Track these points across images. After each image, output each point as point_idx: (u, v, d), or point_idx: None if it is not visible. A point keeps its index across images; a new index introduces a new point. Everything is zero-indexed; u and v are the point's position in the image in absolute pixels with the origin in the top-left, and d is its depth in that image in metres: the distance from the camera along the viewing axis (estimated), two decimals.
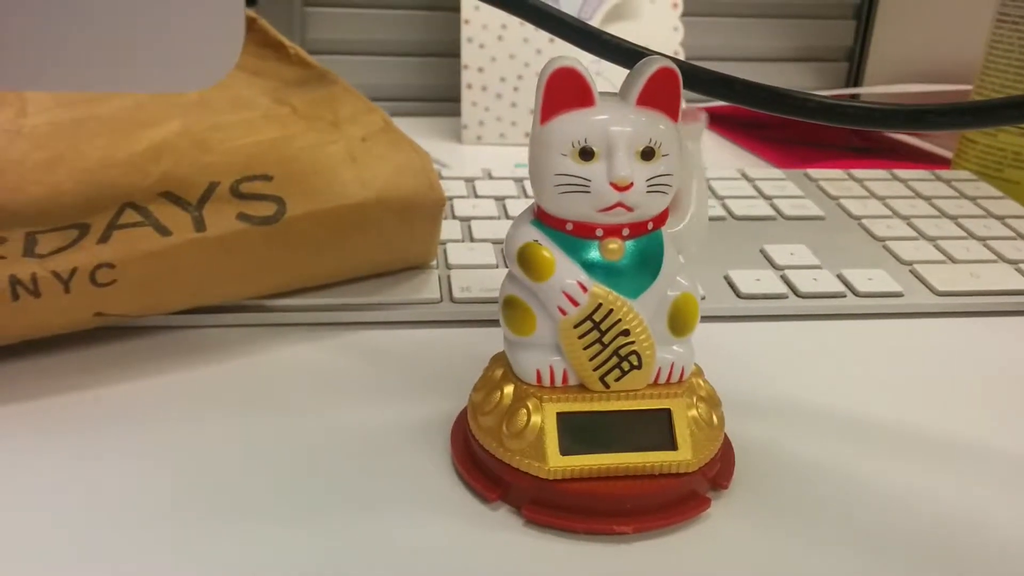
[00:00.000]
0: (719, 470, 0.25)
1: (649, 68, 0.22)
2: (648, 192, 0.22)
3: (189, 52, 0.28)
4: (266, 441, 0.26)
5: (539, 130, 0.22)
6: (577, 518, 0.23)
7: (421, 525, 0.23)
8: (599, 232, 0.23)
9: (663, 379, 0.24)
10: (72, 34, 0.26)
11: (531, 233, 0.23)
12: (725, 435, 0.25)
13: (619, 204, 0.22)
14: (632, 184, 0.22)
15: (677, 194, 0.24)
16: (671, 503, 0.23)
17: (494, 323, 0.33)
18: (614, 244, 0.23)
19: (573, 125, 0.22)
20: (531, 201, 0.24)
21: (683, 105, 0.23)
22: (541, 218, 0.23)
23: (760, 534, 0.23)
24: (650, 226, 0.23)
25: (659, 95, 0.22)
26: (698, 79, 0.27)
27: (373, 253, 0.33)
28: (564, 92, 0.22)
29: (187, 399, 0.28)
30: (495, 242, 0.38)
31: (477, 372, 0.26)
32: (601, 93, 0.22)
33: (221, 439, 0.27)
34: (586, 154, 0.22)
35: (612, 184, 0.22)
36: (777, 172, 0.47)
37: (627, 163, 0.22)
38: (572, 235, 0.23)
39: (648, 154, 0.22)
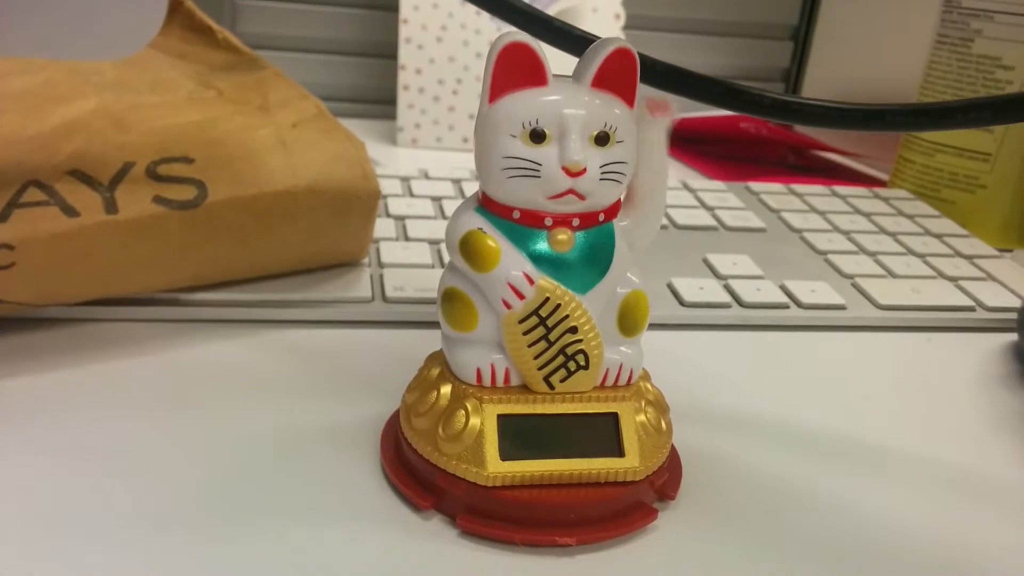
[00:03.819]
0: (666, 479, 0.23)
1: (605, 48, 0.21)
2: (601, 179, 0.21)
3: (108, 17, 0.26)
4: (180, 445, 0.24)
5: (487, 110, 0.21)
6: (516, 528, 0.21)
7: (347, 535, 0.21)
8: (548, 221, 0.21)
9: (610, 381, 0.23)
10: None
11: (475, 220, 0.22)
12: (672, 443, 0.24)
13: (571, 191, 0.21)
14: (585, 170, 0.20)
15: (632, 186, 0.22)
16: (616, 513, 0.22)
17: (428, 324, 0.32)
18: (563, 235, 0.21)
19: (524, 105, 0.21)
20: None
21: (648, 93, 0.22)
22: (486, 205, 0.22)
23: (708, 547, 0.22)
24: (601, 217, 0.22)
25: (615, 78, 0.21)
26: (652, 71, 0.26)
27: (301, 246, 0.31)
28: (515, 69, 0.21)
29: (90, 398, 0.26)
30: (431, 242, 0.36)
31: (410, 375, 0.25)
32: (554, 75, 0.21)
33: (129, 442, 0.24)
34: (537, 136, 0.20)
35: (564, 169, 0.20)
36: (718, 184, 0.47)
37: (580, 147, 0.20)
38: (519, 224, 0.21)
39: (602, 139, 0.21)
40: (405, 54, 0.56)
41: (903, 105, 0.24)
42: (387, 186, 0.41)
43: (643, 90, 0.22)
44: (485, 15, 0.56)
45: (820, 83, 0.68)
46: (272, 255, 0.31)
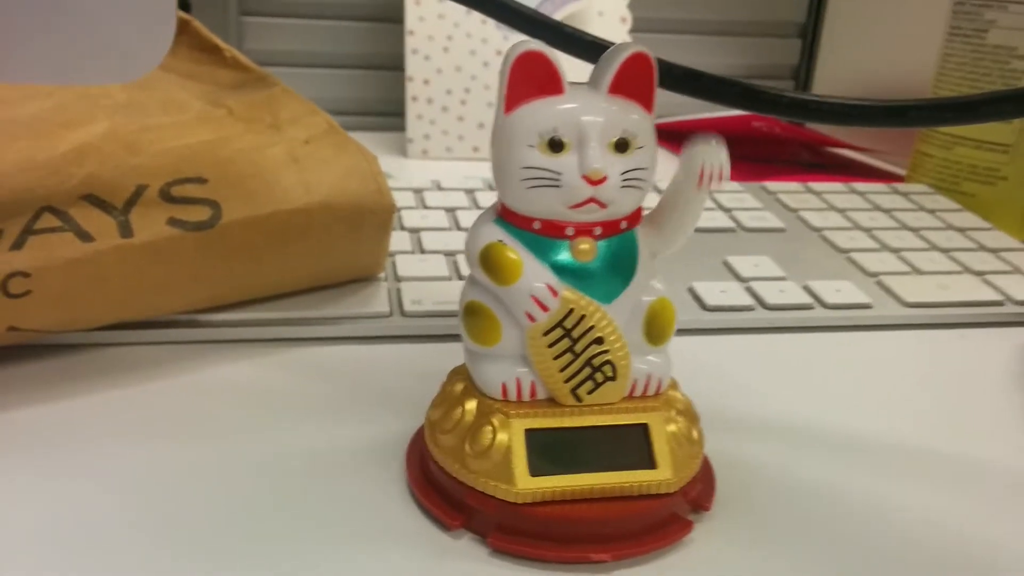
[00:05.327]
0: (700, 490, 0.23)
1: (622, 54, 0.21)
2: (622, 187, 0.20)
3: (117, 40, 0.25)
4: (201, 468, 0.24)
5: (503, 120, 0.21)
6: (549, 545, 0.21)
7: (375, 557, 0.21)
8: (569, 231, 0.21)
9: (639, 392, 0.22)
10: None
11: (495, 232, 0.21)
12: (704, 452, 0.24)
13: (592, 199, 0.20)
14: (606, 178, 0.20)
15: (662, 209, 0.22)
16: (651, 527, 0.21)
17: (448, 338, 0.31)
18: (585, 244, 0.21)
19: (541, 114, 0.20)
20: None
21: (708, 156, 0.20)
22: (505, 216, 0.21)
23: (747, 558, 0.22)
24: (623, 225, 0.21)
25: (632, 83, 0.21)
26: (668, 74, 0.26)
27: (317, 263, 0.31)
28: (531, 78, 0.20)
29: (111, 422, 0.26)
30: (447, 253, 0.36)
31: (432, 390, 0.24)
32: (570, 83, 0.21)
33: (150, 466, 0.24)
34: (556, 145, 0.20)
35: (584, 177, 0.20)
36: (734, 185, 0.46)
37: (600, 155, 0.20)
38: (540, 234, 0.21)
39: (622, 146, 0.20)
40: (412, 65, 0.56)
41: (925, 100, 0.24)
42: (400, 198, 0.41)
43: (662, 96, 0.22)
44: (491, 24, 0.56)
45: (831, 80, 0.68)
46: (288, 273, 0.31)
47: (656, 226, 0.22)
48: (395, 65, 0.60)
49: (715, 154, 0.20)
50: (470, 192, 0.43)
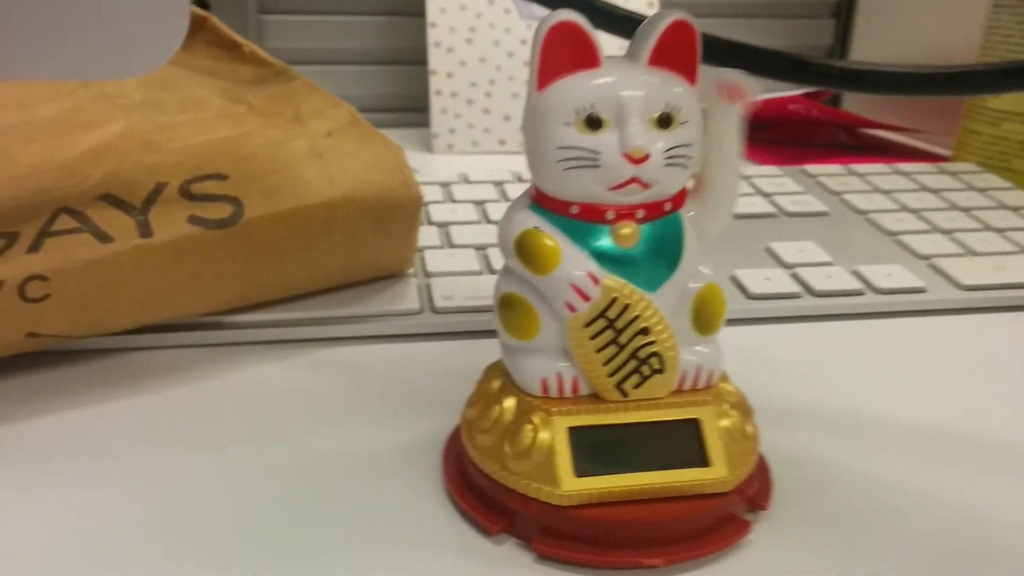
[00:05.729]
0: (757, 488, 0.21)
1: (662, 22, 0.19)
2: (666, 165, 0.19)
3: (130, 33, 0.24)
4: (231, 475, 0.23)
5: (536, 97, 0.19)
6: (597, 550, 0.20)
7: (414, 565, 0.20)
8: (610, 215, 0.20)
9: (688, 385, 0.21)
10: None
11: (530, 219, 0.20)
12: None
13: (634, 180, 0.19)
14: (648, 155, 0.19)
15: (703, 175, 0.20)
16: (706, 529, 0.20)
17: (482, 334, 0.30)
18: (628, 228, 0.20)
19: (577, 90, 0.19)
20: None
21: (721, 75, 0.20)
22: (541, 201, 0.20)
23: (809, 559, 0.20)
24: (668, 207, 0.20)
25: (674, 53, 0.19)
26: (708, 47, 0.24)
27: (343, 259, 0.30)
28: (564, 51, 0.19)
29: (137, 429, 0.25)
30: (478, 247, 0.35)
31: (467, 388, 0.23)
32: (607, 56, 0.19)
33: (175, 473, 0.23)
34: (593, 123, 0.19)
35: (626, 156, 0.19)
36: (773, 169, 0.45)
37: (642, 131, 0.19)
38: (578, 219, 0.20)
39: (665, 121, 0.19)
40: (435, 58, 0.55)
41: (990, 65, 0.22)
42: (427, 193, 0.40)
43: (706, 69, 0.20)
44: (514, 13, 0.55)
45: (866, 59, 0.66)
46: (314, 270, 0.30)
47: (698, 188, 0.21)
48: (418, 59, 0.58)
49: (729, 71, 0.20)
50: (499, 184, 0.42)
